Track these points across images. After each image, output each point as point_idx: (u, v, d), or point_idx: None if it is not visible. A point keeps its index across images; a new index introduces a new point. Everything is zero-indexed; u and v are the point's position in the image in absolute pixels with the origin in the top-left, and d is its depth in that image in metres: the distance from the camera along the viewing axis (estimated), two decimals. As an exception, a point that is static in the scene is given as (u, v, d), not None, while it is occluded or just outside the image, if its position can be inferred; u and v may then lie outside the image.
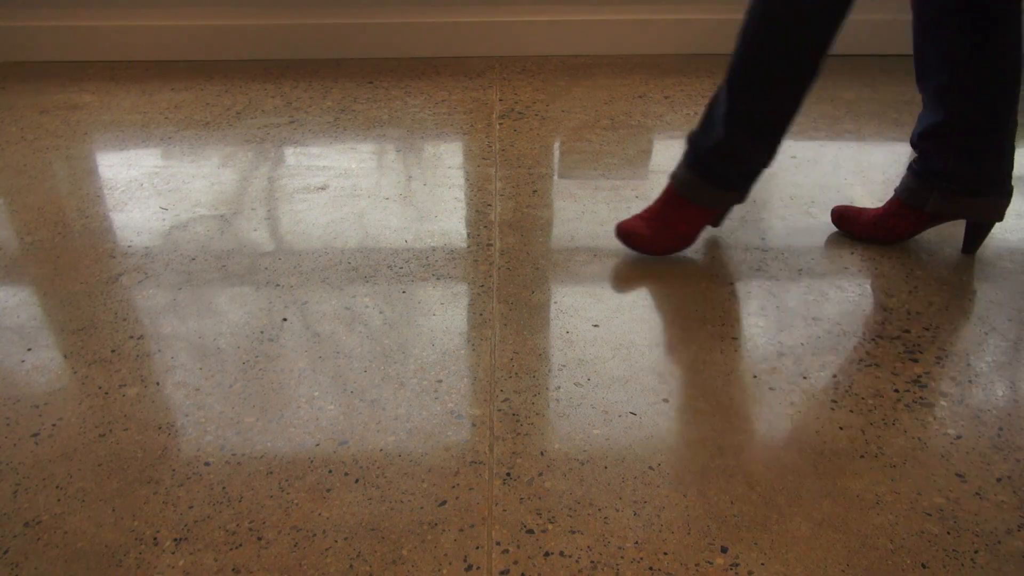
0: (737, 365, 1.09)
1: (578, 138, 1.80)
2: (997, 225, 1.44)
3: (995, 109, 1.20)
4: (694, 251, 1.36)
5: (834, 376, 1.07)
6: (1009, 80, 1.19)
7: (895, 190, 1.36)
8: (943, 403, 1.03)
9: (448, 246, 1.38)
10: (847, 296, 1.24)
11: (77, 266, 1.33)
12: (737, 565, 0.81)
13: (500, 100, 2.03)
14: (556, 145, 1.77)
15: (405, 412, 1.01)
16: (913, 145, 1.30)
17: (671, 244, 1.33)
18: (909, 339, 1.15)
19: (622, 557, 0.82)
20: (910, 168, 1.32)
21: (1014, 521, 0.86)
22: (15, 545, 0.84)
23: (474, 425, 0.99)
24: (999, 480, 0.91)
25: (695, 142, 1.27)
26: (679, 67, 2.23)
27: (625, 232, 1.33)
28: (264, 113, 1.95)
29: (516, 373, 1.08)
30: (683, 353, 1.12)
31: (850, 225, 1.40)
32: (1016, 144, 1.24)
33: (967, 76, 1.19)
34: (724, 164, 1.26)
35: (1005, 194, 1.26)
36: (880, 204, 1.51)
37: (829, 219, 1.46)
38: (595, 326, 1.17)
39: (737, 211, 1.49)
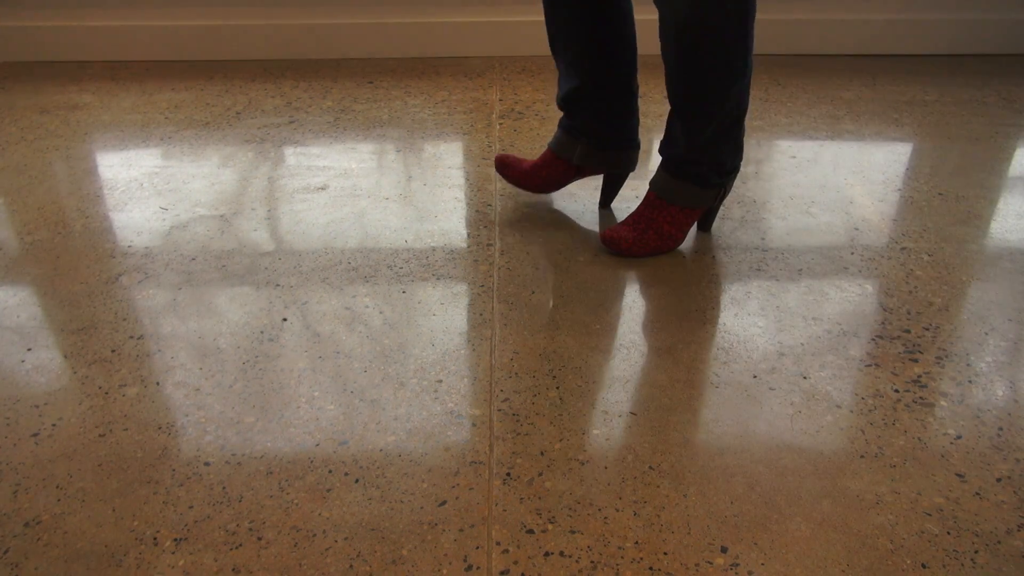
0: (737, 365, 1.09)
1: (578, 138, 1.80)
2: (996, 224, 1.44)
3: (618, 75, 1.34)
4: (695, 252, 1.36)
5: (834, 376, 1.07)
6: (628, 48, 1.33)
7: (548, 143, 1.48)
8: (943, 403, 1.03)
9: (448, 246, 1.38)
10: (847, 296, 1.24)
11: (77, 266, 1.33)
12: (737, 565, 0.81)
13: (500, 100, 2.03)
14: (556, 145, 1.77)
15: (405, 412, 1.01)
16: (559, 106, 1.42)
17: (657, 244, 1.33)
18: (909, 339, 1.15)
19: (622, 557, 0.82)
20: (560, 123, 1.44)
21: (1014, 521, 0.86)
22: (15, 545, 0.84)
23: (474, 425, 0.99)
24: (999, 480, 0.91)
25: (663, 152, 1.32)
26: (679, 67, 2.23)
27: (609, 237, 1.34)
28: (264, 113, 1.95)
29: (516, 373, 1.08)
30: (683, 353, 1.12)
31: (510, 172, 1.49)
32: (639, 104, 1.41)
33: (593, 47, 1.31)
34: (695, 167, 1.29)
35: (635, 147, 1.43)
36: (880, 203, 1.52)
37: (829, 219, 1.46)
38: (595, 326, 1.17)
39: (737, 211, 1.49)
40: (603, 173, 1.47)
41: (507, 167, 1.49)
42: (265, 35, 2.30)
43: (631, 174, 1.63)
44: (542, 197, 1.54)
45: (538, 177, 1.48)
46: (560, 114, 1.92)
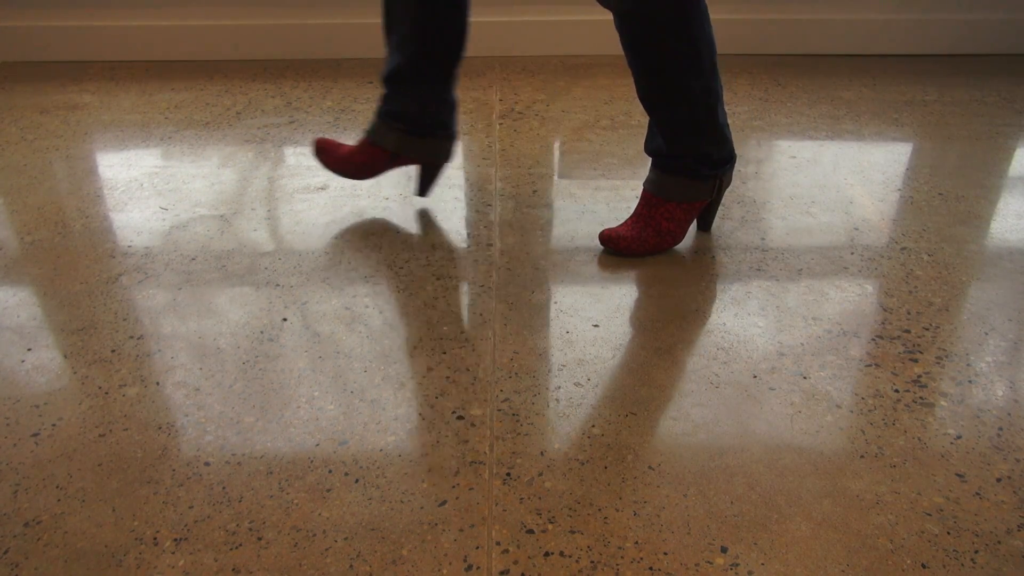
0: (737, 365, 1.09)
1: (578, 138, 1.80)
2: (996, 224, 1.44)
3: (439, 58, 1.34)
4: (694, 251, 1.36)
5: (834, 376, 1.07)
6: (456, 35, 1.33)
7: (365, 130, 1.45)
8: (943, 403, 1.03)
9: (448, 246, 1.38)
10: (847, 296, 1.24)
11: (77, 266, 1.33)
12: (737, 565, 0.81)
13: (500, 100, 2.03)
14: (556, 145, 1.77)
15: (405, 412, 1.01)
16: (381, 83, 1.40)
17: (656, 242, 1.33)
18: (909, 339, 1.15)
19: (622, 557, 0.82)
20: (377, 110, 1.42)
21: (1014, 521, 0.86)
22: (15, 545, 0.84)
23: (474, 425, 0.99)
24: (999, 480, 0.91)
25: (648, 150, 1.32)
26: (679, 67, 2.23)
27: (608, 237, 1.34)
28: (264, 113, 1.95)
29: (516, 373, 1.08)
30: (683, 353, 1.12)
31: (326, 157, 1.46)
32: (454, 89, 1.41)
33: (421, 29, 1.31)
34: (682, 161, 1.29)
35: (449, 137, 1.42)
36: (880, 203, 1.52)
37: (829, 219, 1.46)
38: (595, 326, 1.17)
39: (737, 211, 1.49)
40: (419, 164, 1.46)
41: (323, 152, 1.47)
42: (265, 35, 2.30)
43: (626, 175, 1.63)
44: (542, 198, 1.54)
45: (351, 164, 1.45)
46: None
